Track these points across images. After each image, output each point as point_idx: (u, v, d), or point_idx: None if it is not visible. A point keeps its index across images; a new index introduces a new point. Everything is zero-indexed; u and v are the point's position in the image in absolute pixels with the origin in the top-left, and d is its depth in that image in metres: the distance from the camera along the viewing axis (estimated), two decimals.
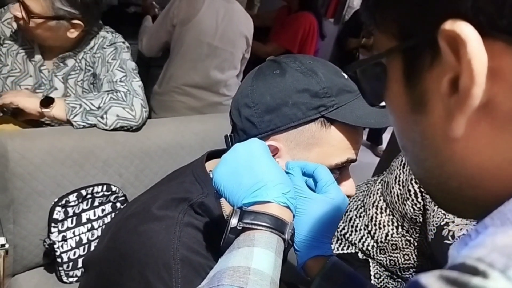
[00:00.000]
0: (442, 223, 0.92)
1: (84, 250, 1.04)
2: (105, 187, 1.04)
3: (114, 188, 1.06)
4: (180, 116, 1.52)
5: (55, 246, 0.99)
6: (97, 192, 1.03)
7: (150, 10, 2.04)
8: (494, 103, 0.23)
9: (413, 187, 1.02)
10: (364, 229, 1.16)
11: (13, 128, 1.07)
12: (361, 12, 0.32)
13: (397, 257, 1.11)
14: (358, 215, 1.20)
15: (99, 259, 0.65)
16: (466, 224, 0.89)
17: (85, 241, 1.04)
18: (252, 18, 1.80)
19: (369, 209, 1.17)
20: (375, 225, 1.14)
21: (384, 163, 1.58)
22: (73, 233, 1.02)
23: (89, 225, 1.04)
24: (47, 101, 1.03)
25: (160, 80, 1.75)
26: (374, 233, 1.14)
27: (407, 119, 0.29)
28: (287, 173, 0.55)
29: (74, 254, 1.02)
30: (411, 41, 0.26)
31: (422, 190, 1.00)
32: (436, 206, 0.94)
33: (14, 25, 1.11)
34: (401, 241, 1.10)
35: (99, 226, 1.06)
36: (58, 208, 0.97)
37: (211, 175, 0.64)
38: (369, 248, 1.14)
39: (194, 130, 1.18)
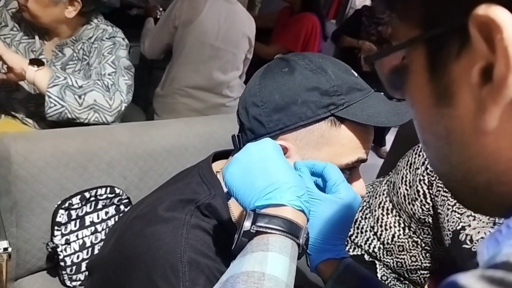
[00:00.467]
0: (458, 228, 0.89)
1: (87, 254, 1.03)
2: (108, 189, 1.03)
3: (117, 191, 1.05)
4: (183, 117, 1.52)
5: (58, 249, 0.97)
6: (100, 195, 1.02)
7: (152, 12, 2.04)
8: None
9: (421, 187, 1.01)
10: (370, 231, 1.15)
11: (16, 131, 1.06)
12: (376, 1, 0.31)
13: (404, 258, 1.10)
14: (363, 217, 1.18)
15: (104, 263, 0.64)
16: (483, 227, 0.87)
17: (88, 244, 1.03)
18: (254, 19, 1.79)
19: (375, 210, 1.16)
20: (381, 226, 1.13)
21: (388, 164, 1.56)
22: (77, 236, 1.01)
23: (93, 228, 1.03)
24: (37, 61, 1.04)
25: (162, 82, 1.75)
26: (381, 234, 1.12)
27: (431, 112, 0.28)
28: None
29: (78, 257, 1.01)
30: (436, 30, 0.25)
31: (431, 192, 0.99)
32: (450, 210, 0.92)
33: (17, 15, 1.13)
34: (408, 242, 1.09)
35: (102, 229, 1.05)
36: (61, 211, 0.96)
37: (217, 176, 0.63)
38: (376, 250, 1.13)
39: (198, 132, 1.17)
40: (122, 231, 0.62)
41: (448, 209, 0.93)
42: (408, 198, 1.05)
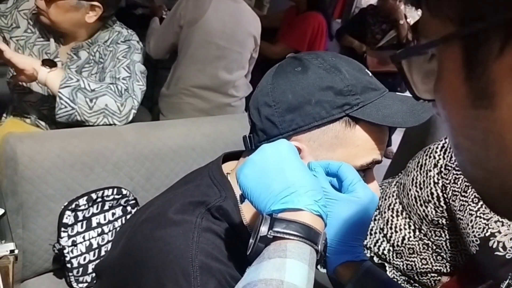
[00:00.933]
0: (486, 234, 0.87)
1: (94, 255, 1.02)
2: (115, 190, 1.02)
3: (124, 192, 1.04)
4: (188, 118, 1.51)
5: (65, 251, 0.97)
6: (107, 196, 1.01)
7: (157, 12, 2.03)
8: None
9: (436, 190, 0.99)
10: (380, 233, 1.13)
11: (22, 131, 1.06)
12: None
13: (414, 261, 1.08)
14: (372, 218, 1.17)
15: (113, 266, 0.63)
16: None
17: (95, 245, 1.02)
18: (260, 18, 1.78)
19: (385, 212, 1.14)
20: (391, 228, 1.11)
21: (396, 165, 1.54)
22: (83, 237, 1.00)
23: (99, 230, 1.02)
24: (50, 62, 1.03)
25: (168, 82, 1.74)
26: (390, 236, 1.11)
27: (466, 114, 0.26)
28: None
29: (84, 259, 1.00)
30: (475, 26, 0.23)
31: (446, 195, 0.96)
32: (473, 216, 0.89)
33: (32, 17, 1.11)
34: (418, 245, 1.07)
35: (109, 231, 1.04)
36: (68, 212, 0.96)
37: (228, 178, 0.62)
38: (385, 252, 1.11)
39: (205, 132, 1.16)
40: (131, 234, 0.61)
41: (471, 214, 0.90)
42: (420, 200, 1.03)
